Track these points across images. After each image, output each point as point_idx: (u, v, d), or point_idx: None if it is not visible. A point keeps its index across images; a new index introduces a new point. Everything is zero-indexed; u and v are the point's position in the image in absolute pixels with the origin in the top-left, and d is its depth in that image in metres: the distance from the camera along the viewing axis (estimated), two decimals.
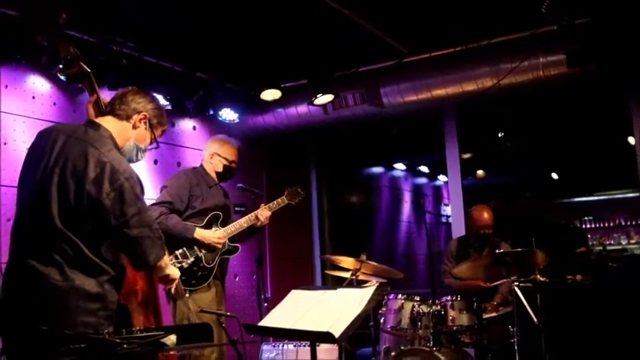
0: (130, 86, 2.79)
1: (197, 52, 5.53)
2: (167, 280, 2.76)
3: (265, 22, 5.01)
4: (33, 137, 2.66)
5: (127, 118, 2.68)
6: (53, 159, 2.47)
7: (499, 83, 5.35)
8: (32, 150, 2.60)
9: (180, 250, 4.23)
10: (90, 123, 2.64)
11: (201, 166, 4.63)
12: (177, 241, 4.20)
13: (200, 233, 4.27)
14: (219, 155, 4.58)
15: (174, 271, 2.79)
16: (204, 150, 4.68)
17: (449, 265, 5.42)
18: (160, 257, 2.54)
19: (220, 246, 4.35)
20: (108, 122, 2.65)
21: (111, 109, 2.70)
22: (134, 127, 2.69)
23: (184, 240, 4.24)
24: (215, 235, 4.33)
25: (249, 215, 4.55)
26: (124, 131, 2.67)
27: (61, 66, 2.89)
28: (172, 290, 2.85)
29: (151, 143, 2.78)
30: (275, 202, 4.67)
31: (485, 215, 5.26)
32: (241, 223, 4.49)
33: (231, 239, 4.47)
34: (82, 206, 2.38)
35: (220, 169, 4.57)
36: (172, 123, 6.22)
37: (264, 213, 4.55)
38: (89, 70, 2.83)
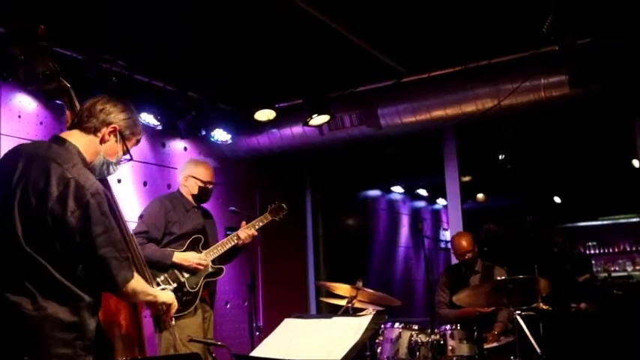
0: (99, 95, 2.67)
1: (189, 71, 5.54)
2: (157, 306, 2.69)
3: (260, 41, 5.03)
4: None
5: (95, 131, 2.57)
6: (15, 179, 2.38)
7: (500, 104, 5.36)
8: None
9: (162, 277, 4.24)
10: (55, 139, 2.55)
11: (178, 190, 4.69)
12: (159, 269, 4.23)
13: (179, 257, 4.31)
14: (193, 177, 4.60)
15: (166, 296, 2.72)
16: (179, 173, 4.75)
17: (443, 295, 5.45)
18: (128, 279, 2.43)
19: (203, 267, 4.38)
20: (74, 137, 2.55)
21: (78, 122, 2.58)
22: (102, 140, 2.58)
23: (165, 267, 4.27)
24: (196, 257, 4.36)
25: (231, 235, 4.58)
26: (91, 146, 2.57)
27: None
28: (168, 320, 2.77)
29: (123, 154, 2.68)
30: (258, 220, 4.70)
31: (464, 242, 5.38)
32: (224, 243, 4.52)
33: (214, 262, 4.48)
34: (47, 226, 2.30)
35: (196, 192, 4.60)
36: (163, 143, 6.21)
37: (246, 231, 4.56)
38: (69, 86, 2.79)
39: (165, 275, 4.26)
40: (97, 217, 2.35)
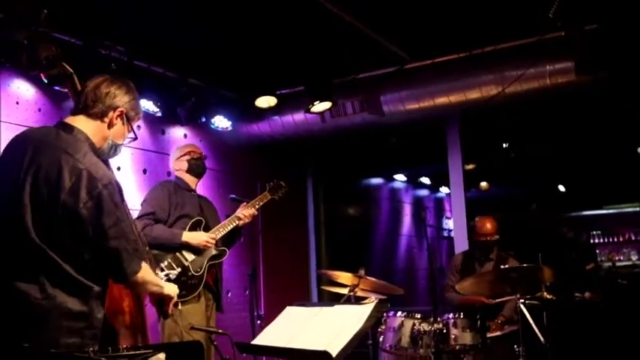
0: (100, 76, 2.65)
1: (189, 57, 5.52)
2: (159, 298, 2.73)
3: (261, 26, 5.01)
4: None
5: (102, 116, 2.57)
6: (24, 169, 2.38)
7: (504, 91, 5.35)
8: (3, 159, 2.54)
9: (166, 262, 4.27)
10: (62, 125, 2.55)
11: (176, 176, 4.81)
12: (164, 250, 4.28)
13: (188, 236, 4.37)
14: (179, 158, 4.74)
15: (170, 288, 2.75)
16: (171, 165, 4.91)
17: (452, 279, 5.43)
18: (136, 271, 2.46)
19: (212, 246, 4.43)
20: (81, 122, 2.55)
21: (83, 107, 2.57)
22: (110, 125, 2.59)
23: (172, 248, 4.31)
24: (204, 235, 4.42)
25: (232, 216, 4.62)
26: (99, 131, 2.58)
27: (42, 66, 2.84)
28: (170, 310, 2.80)
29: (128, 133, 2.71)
30: (257, 199, 4.73)
31: (488, 225, 5.34)
32: (225, 225, 4.57)
33: (217, 243, 4.54)
34: (57, 218, 2.32)
35: (186, 167, 4.70)
36: (162, 130, 6.20)
37: (246, 211, 4.61)
38: (72, 71, 2.78)
39: (169, 260, 4.29)
40: (108, 208, 2.37)
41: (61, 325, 2.29)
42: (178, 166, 4.76)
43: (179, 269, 4.25)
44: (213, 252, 4.49)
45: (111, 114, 2.58)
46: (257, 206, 4.68)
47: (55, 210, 2.32)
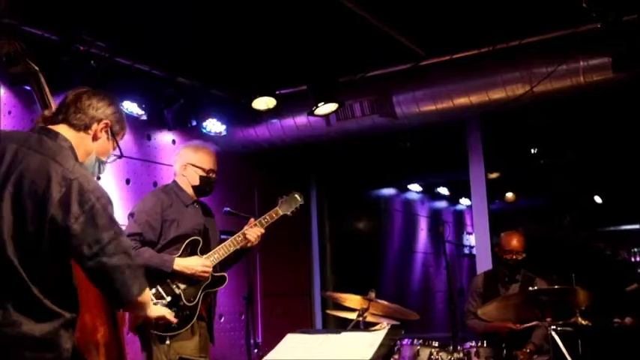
0: (81, 88, 2.71)
1: (178, 53, 5.54)
2: (149, 319, 2.78)
3: (258, 19, 5.02)
4: None
5: (85, 128, 2.61)
6: (2, 174, 2.39)
7: (532, 90, 5.35)
8: None
9: (154, 290, 4.03)
10: (44, 130, 2.56)
11: (174, 181, 4.50)
12: (153, 278, 3.98)
13: (181, 264, 4.13)
14: (193, 165, 4.42)
15: (157, 310, 2.79)
16: (175, 162, 4.53)
17: (473, 304, 5.43)
18: (143, 289, 2.51)
19: (207, 275, 4.22)
20: (64, 131, 2.58)
21: (64, 117, 2.61)
22: (95, 138, 2.64)
23: (161, 275, 4.11)
24: (199, 263, 4.20)
25: (236, 236, 4.40)
26: (82, 143, 2.61)
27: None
28: (161, 327, 2.82)
29: (113, 150, 2.76)
30: (267, 216, 4.52)
31: (515, 241, 5.33)
32: (227, 246, 4.35)
33: (215, 268, 4.32)
34: (43, 233, 2.32)
35: (197, 182, 4.42)
36: (148, 136, 6.22)
37: (254, 231, 4.40)
38: (37, 69, 2.81)
39: (158, 287, 4.08)
40: (104, 222, 2.39)
41: (24, 357, 2.28)
42: (187, 173, 4.43)
43: (169, 298, 4.07)
44: (210, 279, 4.28)
45: (95, 126, 2.64)
46: (265, 224, 4.47)
47: (41, 224, 2.32)
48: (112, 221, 2.44)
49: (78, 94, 2.66)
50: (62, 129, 2.59)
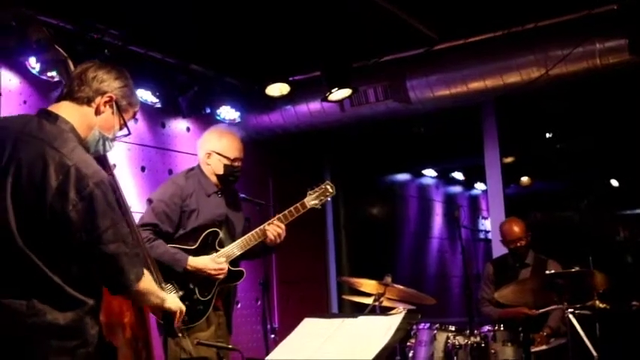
0: (91, 60, 2.64)
1: (191, 40, 5.55)
2: (162, 312, 2.71)
3: (271, 4, 5.01)
4: None
5: (88, 101, 2.53)
6: (4, 163, 2.36)
7: (547, 73, 5.32)
8: None
9: (169, 285, 3.94)
10: (44, 113, 2.51)
11: (198, 166, 4.34)
12: (167, 272, 3.88)
13: (193, 264, 4.01)
14: (217, 153, 4.24)
15: (173, 302, 2.74)
16: (199, 148, 4.36)
17: (487, 291, 5.46)
18: (138, 278, 2.45)
19: (222, 276, 4.09)
20: (66, 109, 2.52)
21: (68, 92, 2.55)
22: (97, 112, 2.55)
23: (173, 273, 4.00)
24: (214, 263, 4.06)
25: (257, 230, 4.22)
26: (85, 118, 2.54)
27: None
28: (177, 325, 2.78)
29: (120, 129, 2.67)
30: (293, 209, 4.31)
31: (515, 228, 5.38)
32: (246, 241, 4.19)
33: (234, 262, 4.20)
34: (45, 222, 2.30)
35: (221, 172, 4.24)
36: (162, 124, 6.23)
37: (273, 229, 4.21)
38: (66, 55, 2.78)
39: (173, 281, 3.99)
40: (102, 209, 2.34)
41: (50, 345, 2.29)
42: (211, 161, 4.25)
43: (182, 292, 3.99)
44: (226, 273, 4.13)
45: (98, 99, 2.55)
46: (290, 219, 4.28)
47: (42, 214, 2.30)
48: (111, 207, 2.38)
49: (85, 68, 2.58)
50: (64, 107, 2.53)
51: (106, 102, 2.57)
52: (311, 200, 4.36)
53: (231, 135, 4.35)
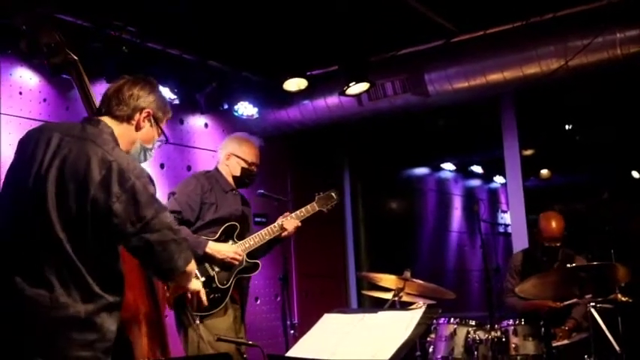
0: (122, 77, 2.76)
1: (209, 36, 5.55)
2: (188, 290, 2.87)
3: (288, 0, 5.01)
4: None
5: (128, 119, 2.67)
6: (47, 161, 2.45)
7: (567, 64, 5.27)
8: (20, 152, 2.59)
9: None
10: (87, 119, 2.64)
11: (216, 169, 4.69)
12: None
13: (213, 248, 4.29)
14: (236, 156, 4.63)
15: (195, 284, 2.87)
16: (220, 150, 4.75)
17: (512, 281, 5.40)
18: (189, 260, 2.57)
19: (237, 262, 4.37)
20: (107, 121, 2.64)
21: (107, 110, 2.67)
22: (137, 128, 2.70)
23: (197, 256, 4.16)
24: (231, 249, 4.36)
25: (273, 225, 4.57)
26: (126, 135, 2.67)
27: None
28: (194, 306, 2.91)
29: (158, 136, 2.82)
30: (304, 210, 4.70)
31: (553, 224, 5.25)
32: (262, 235, 4.52)
33: (250, 255, 4.48)
34: (85, 214, 2.38)
35: (238, 173, 4.62)
36: (181, 120, 6.26)
37: (291, 223, 4.57)
38: (76, 58, 2.85)
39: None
40: (145, 199, 2.44)
41: (72, 337, 2.33)
42: (230, 162, 4.65)
43: (203, 278, 4.20)
44: (244, 264, 4.44)
45: (137, 116, 2.69)
46: (302, 217, 4.65)
47: (84, 206, 2.38)
48: (154, 198, 2.50)
49: (119, 86, 2.70)
50: (106, 120, 2.64)
51: (144, 117, 2.71)
52: (319, 204, 4.77)
53: (251, 142, 4.74)
